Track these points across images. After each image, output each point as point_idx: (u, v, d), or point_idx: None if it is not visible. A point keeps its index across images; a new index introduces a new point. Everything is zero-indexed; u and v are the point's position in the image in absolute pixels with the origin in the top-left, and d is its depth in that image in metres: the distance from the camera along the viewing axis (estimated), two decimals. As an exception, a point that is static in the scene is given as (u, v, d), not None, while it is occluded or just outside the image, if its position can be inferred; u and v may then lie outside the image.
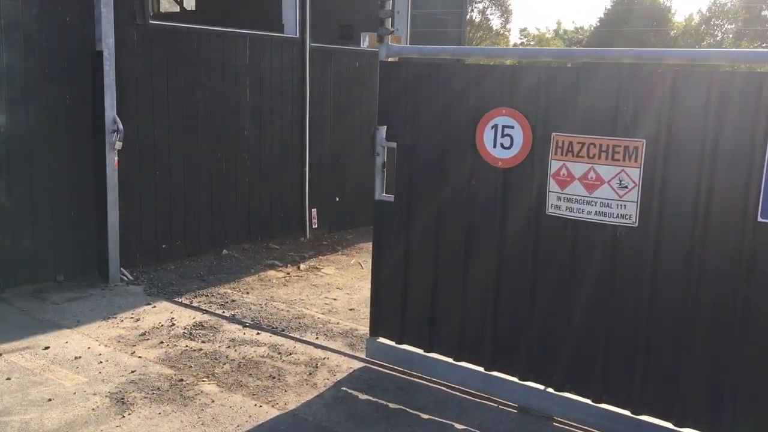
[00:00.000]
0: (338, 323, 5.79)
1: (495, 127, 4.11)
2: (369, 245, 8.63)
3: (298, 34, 8.29)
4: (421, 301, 4.59)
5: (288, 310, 6.05)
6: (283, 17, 8.38)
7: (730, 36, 31.38)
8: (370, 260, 7.85)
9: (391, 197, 4.58)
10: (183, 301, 6.16)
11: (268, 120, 8.11)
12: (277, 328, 5.60)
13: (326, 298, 6.53)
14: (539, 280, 4.12)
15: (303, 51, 8.35)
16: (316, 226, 8.84)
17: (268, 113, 8.10)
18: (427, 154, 4.37)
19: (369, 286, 6.87)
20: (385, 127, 4.58)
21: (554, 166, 3.96)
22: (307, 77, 8.42)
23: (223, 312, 5.93)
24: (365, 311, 6.07)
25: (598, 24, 33.30)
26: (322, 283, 6.98)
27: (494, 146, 4.12)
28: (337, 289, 6.81)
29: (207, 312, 5.91)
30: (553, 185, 3.98)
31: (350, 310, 6.22)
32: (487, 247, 4.26)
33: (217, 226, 7.74)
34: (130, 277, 6.68)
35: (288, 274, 7.28)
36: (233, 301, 6.24)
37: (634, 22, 30.65)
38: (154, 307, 5.99)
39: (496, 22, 36.60)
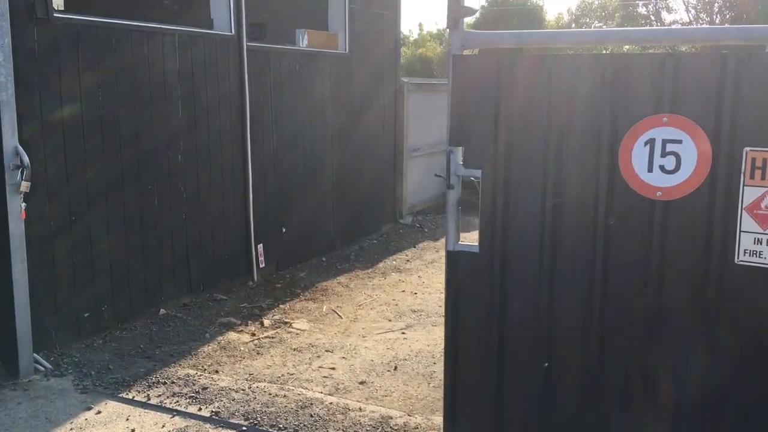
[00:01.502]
0: (360, 409, 4.36)
1: (650, 142, 2.90)
2: (332, 285, 7.27)
3: (233, 31, 6.71)
4: (527, 404, 3.31)
5: (284, 395, 4.53)
6: (213, 11, 6.75)
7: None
8: (344, 305, 6.57)
9: (474, 247, 3.25)
10: (136, 398, 4.47)
11: (204, 139, 6.47)
12: (286, 428, 4.09)
13: (321, 368, 5.07)
14: (724, 360, 2.97)
15: (240, 52, 6.78)
16: (263, 265, 7.28)
17: (204, 131, 6.46)
18: (532, 184, 3.09)
19: (363, 342, 5.57)
20: (461, 149, 3.24)
21: (749, 195, 2.82)
22: (246, 86, 6.85)
23: (200, 410, 4.31)
24: (380, 383, 4.75)
25: (472, 25, 33.28)
26: (303, 345, 5.50)
27: (649, 170, 2.91)
28: (327, 352, 5.35)
29: (178, 413, 4.27)
30: (747, 222, 2.83)
31: (361, 383, 4.81)
32: (634, 316, 3.05)
33: (151, 280, 6.01)
34: (49, 365, 4.86)
35: (254, 335, 5.72)
36: (204, 388, 4.62)
37: (510, 22, 30.85)
38: (99, 413, 4.26)
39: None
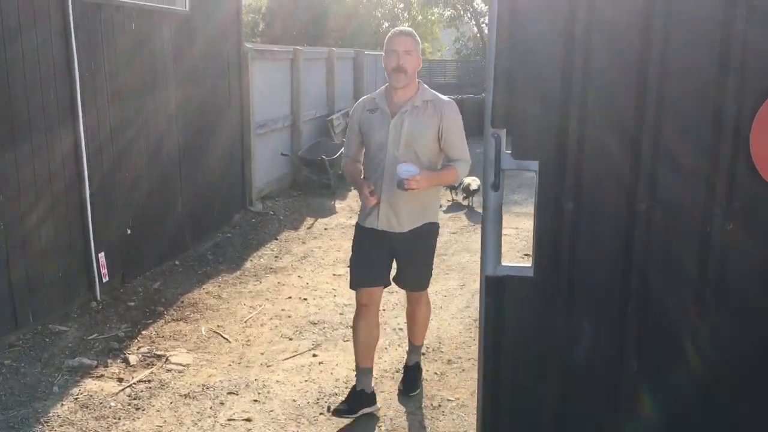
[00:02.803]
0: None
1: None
2: (200, 296, 5.76)
3: (54, -25, 5.04)
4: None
5: (201, 474, 3.30)
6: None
7: (401, 4, 32.55)
8: (226, 324, 5.23)
9: (525, 269, 2.32)
10: None
11: (22, 119, 4.80)
12: None
13: (231, 421, 3.84)
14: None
15: (63, 5, 5.12)
16: (107, 278, 5.73)
17: (22, 109, 4.78)
18: (617, 179, 2.21)
19: (271, 375, 4.33)
20: (504, 131, 2.27)
21: None
22: (74, 49, 5.21)
23: None
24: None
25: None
26: (195, 389, 4.21)
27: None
28: (231, 396, 4.13)
29: None
30: None
31: (294, 438, 3.69)
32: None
33: (-39, 318, 4.31)
34: None
35: (121, 380, 4.31)
36: (80, 480, 3.24)
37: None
38: None
39: None
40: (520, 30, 2.16)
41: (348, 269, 4.06)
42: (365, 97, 3.82)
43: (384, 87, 3.71)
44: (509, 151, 2.26)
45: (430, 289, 6.32)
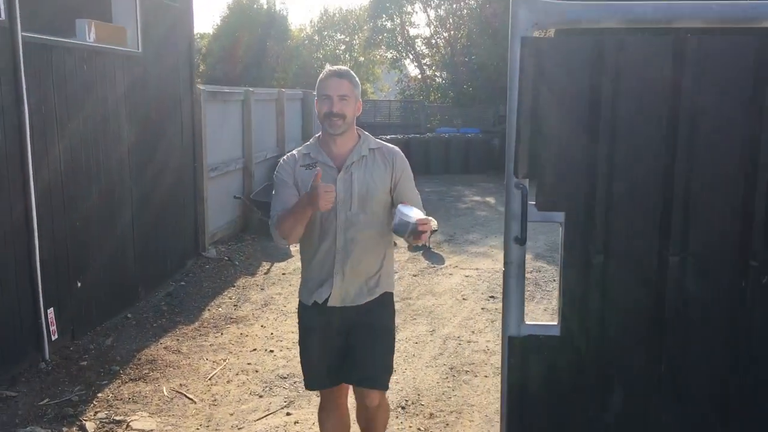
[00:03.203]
0: None
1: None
2: (158, 352, 5.33)
3: (3, 15, 4.75)
4: None
5: None
6: (-35, -15, 4.72)
7: (343, 46, 32.76)
8: (189, 382, 4.83)
9: (550, 327, 2.18)
10: None
11: (-32, 169, 4.45)
12: None
13: (207, 492, 3.55)
14: None
15: (14, 46, 4.82)
16: (56, 336, 5.33)
17: (-33, 156, 4.44)
18: (647, 228, 2.10)
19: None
20: (526, 180, 2.14)
21: None
22: (24, 91, 4.91)
23: None
24: None
25: (215, 31, 31.51)
26: (163, 457, 3.90)
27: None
28: (202, 464, 3.83)
29: None
30: None
31: None
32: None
33: None
34: None
35: (80, 450, 3.95)
36: None
37: (254, 29, 29.71)
38: None
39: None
40: (545, 79, 2.06)
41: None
42: (291, 153, 3.15)
43: (316, 138, 3.14)
44: (532, 202, 2.14)
45: (399, 336, 6.19)
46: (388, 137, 18.70)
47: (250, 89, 10.61)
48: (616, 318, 2.14)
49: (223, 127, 9.43)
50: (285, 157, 3.18)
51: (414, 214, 2.68)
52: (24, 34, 4.90)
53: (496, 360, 5.37)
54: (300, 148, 3.16)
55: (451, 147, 18.59)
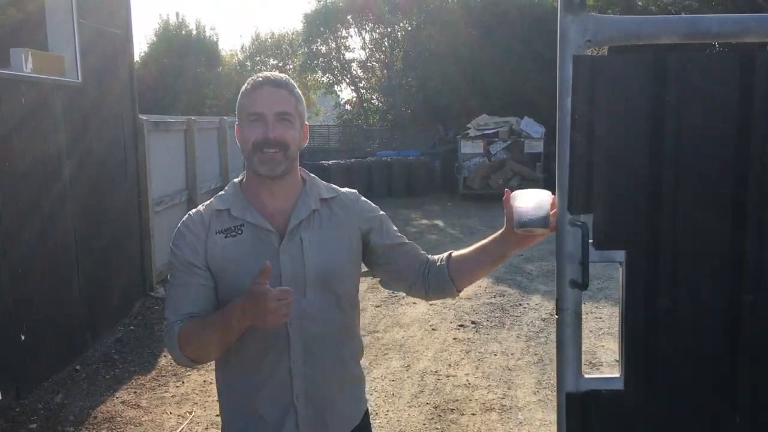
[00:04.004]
0: None
1: None
2: (115, 408, 4.83)
3: (-68, 43, 4.27)
4: None
5: None
6: None
7: (275, 71, 32.26)
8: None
9: (613, 380, 1.93)
10: None
11: None
12: None
13: None
14: None
15: (-56, 77, 4.35)
16: (0, 397, 4.79)
17: None
18: (719, 268, 1.89)
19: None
20: (579, 216, 1.90)
21: None
22: (-43, 126, 4.43)
23: None
24: None
25: (143, 58, 30.60)
26: None
27: None
28: None
29: None
30: None
31: None
32: None
33: None
34: None
35: None
36: None
37: (183, 56, 29.02)
38: None
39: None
40: (601, 102, 1.84)
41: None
42: (197, 210, 2.03)
43: (235, 185, 2.06)
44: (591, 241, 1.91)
45: (374, 373, 5.89)
46: (329, 162, 18.42)
47: (192, 118, 10.17)
48: (685, 366, 1.93)
49: (166, 158, 8.96)
50: (186, 217, 2.02)
51: (538, 197, 1.95)
52: (-45, 64, 4.43)
53: (480, 395, 5.13)
54: (210, 202, 2.03)
55: (394, 170, 18.47)
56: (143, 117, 8.06)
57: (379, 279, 8.97)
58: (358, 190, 2.19)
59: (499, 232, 2.10)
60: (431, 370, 5.69)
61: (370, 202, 2.17)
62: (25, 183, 5.29)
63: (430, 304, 7.81)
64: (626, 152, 1.86)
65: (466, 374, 5.57)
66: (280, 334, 1.92)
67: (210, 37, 30.68)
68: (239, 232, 1.95)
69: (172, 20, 29.83)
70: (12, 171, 5.11)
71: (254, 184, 2.01)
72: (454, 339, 6.50)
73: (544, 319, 7.01)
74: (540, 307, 7.48)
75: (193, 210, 2.05)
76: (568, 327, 1.93)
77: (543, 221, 1.95)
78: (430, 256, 2.21)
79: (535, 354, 5.98)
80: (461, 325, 6.92)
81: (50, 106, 5.75)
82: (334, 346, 2.03)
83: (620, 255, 1.90)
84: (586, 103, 1.84)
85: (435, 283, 2.15)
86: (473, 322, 7.01)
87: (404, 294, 2.77)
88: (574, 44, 1.85)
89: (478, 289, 8.46)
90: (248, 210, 1.98)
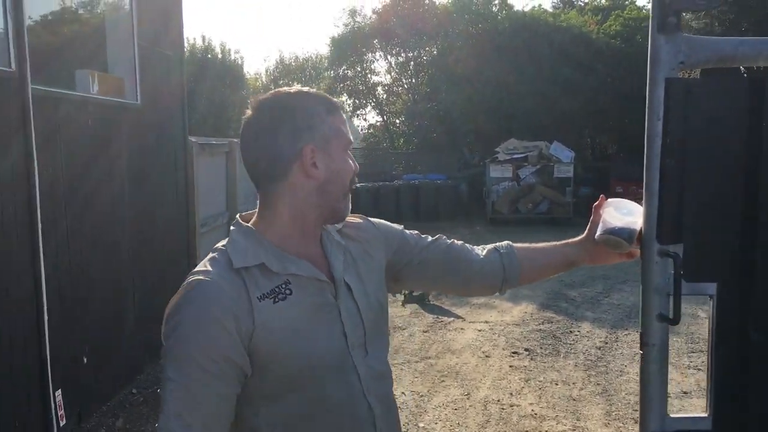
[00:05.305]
0: None
1: None
2: None
3: (14, 66, 4.29)
4: None
5: None
6: (-30, 33, 4.28)
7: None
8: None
9: (701, 419, 1.84)
10: None
11: (-22, 238, 3.93)
12: None
13: None
14: None
15: (24, 100, 4.36)
16: (64, 421, 4.74)
17: (-23, 224, 3.93)
18: None
19: None
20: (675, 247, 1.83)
21: None
22: (34, 147, 4.43)
23: None
24: None
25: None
26: None
27: None
28: None
29: None
30: None
31: None
32: None
33: None
34: None
35: None
36: None
37: (211, 79, 29.33)
38: None
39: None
40: (695, 126, 1.79)
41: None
42: (209, 270, 1.43)
43: (247, 232, 1.51)
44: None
45: (433, 402, 5.78)
46: (356, 185, 18.39)
47: (234, 140, 10.21)
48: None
49: (209, 180, 8.98)
50: (197, 285, 1.41)
51: (635, 209, 1.85)
52: (34, 86, 4.45)
53: (549, 426, 5.02)
54: (218, 259, 1.46)
55: (421, 194, 18.44)
56: (192, 138, 8.09)
57: (419, 293, 8.82)
58: (385, 214, 1.97)
59: (577, 237, 1.95)
60: (493, 399, 5.59)
61: (381, 221, 1.81)
62: (92, 208, 5.29)
63: (478, 330, 7.71)
64: (719, 179, 1.80)
65: (530, 404, 5.46)
66: (360, 410, 1.53)
67: (235, 60, 31.00)
68: (288, 292, 1.45)
69: (199, 43, 30.12)
70: (80, 197, 5.11)
71: (287, 228, 1.51)
72: (510, 367, 6.40)
73: (599, 348, 6.89)
74: (592, 335, 7.36)
75: (199, 271, 1.44)
76: (653, 364, 1.84)
77: (629, 234, 1.83)
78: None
79: (598, 384, 5.86)
80: (515, 353, 6.81)
81: (114, 127, 5.78)
82: (393, 401, 1.69)
83: (711, 287, 1.83)
84: (679, 127, 1.79)
85: (510, 269, 1.87)
86: (526, 350, 6.90)
87: (460, 295, 2.27)
88: (667, 66, 1.79)
89: (524, 314, 8.36)
90: (288, 260, 1.48)
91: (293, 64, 32.59)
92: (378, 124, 27.18)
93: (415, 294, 8.93)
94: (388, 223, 1.82)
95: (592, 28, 21.09)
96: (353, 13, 25.71)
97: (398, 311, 8.56)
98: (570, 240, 1.96)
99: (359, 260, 1.63)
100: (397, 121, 26.46)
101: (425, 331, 7.71)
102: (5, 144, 4.21)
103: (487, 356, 6.74)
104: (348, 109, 26.36)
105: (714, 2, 1.82)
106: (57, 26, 6.47)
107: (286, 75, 32.73)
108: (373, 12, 26.37)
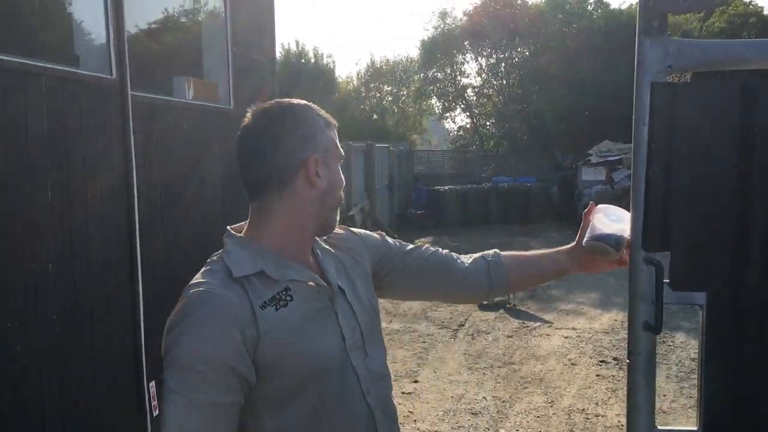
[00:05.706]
0: None
1: None
2: None
3: (114, 74, 4.55)
4: None
5: None
6: (77, 43, 4.58)
7: (390, 97, 32.88)
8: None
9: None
10: None
11: (82, 233, 4.19)
12: None
13: None
14: None
15: (123, 105, 4.62)
16: (156, 412, 4.98)
17: (81, 219, 4.19)
18: None
19: None
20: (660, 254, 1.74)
21: None
22: (132, 152, 4.68)
23: None
24: None
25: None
26: None
27: None
28: None
29: None
30: None
31: None
32: None
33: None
34: None
35: None
36: None
37: (304, 83, 30.07)
38: None
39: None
40: (682, 132, 1.69)
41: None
42: (208, 281, 1.52)
43: (239, 241, 1.60)
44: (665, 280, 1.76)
45: (516, 408, 5.70)
46: (445, 188, 18.39)
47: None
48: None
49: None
50: (200, 295, 1.48)
51: (623, 216, 1.82)
52: (133, 92, 4.70)
53: (636, 438, 4.84)
54: (215, 269, 1.55)
55: (510, 196, 18.21)
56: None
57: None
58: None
59: (569, 245, 1.92)
60: (578, 408, 5.45)
61: (363, 230, 1.83)
62: (186, 214, 5.53)
63: (565, 337, 7.54)
64: (708, 185, 1.69)
65: (617, 414, 5.29)
66: (360, 411, 1.53)
67: (327, 64, 31.63)
68: (289, 298, 1.45)
69: (293, 48, 30.94)
70: (175, 199, 5.36)
71: (285, 236, 1.53)
72: (597, 376, 6.22)
73: (693, 359, 6.60)
74: (687, 346, 7.06)
75: (199, 283, 1.50)
76: (638, 373, 1.76)
77: (616, 240, 1.79)
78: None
79: (690, 396, 5.61)
80: (602, 361, 6.62)
81: (208, 131, 6.02)
82: (392, 402, 1.68)
83: (701, 297, 1.72)
84: (665, 133, 1.69)
85: (496, 276, 1.86)
86: (615, 359, 6.70)
87: (445, 302, 2.23)
88: (653, 70, 1.70)
89: (614, 323, 8.12)
90: (287, 266, 1.48)
91: (384, 67, 32.89)
92: (467, 126, 27.04)
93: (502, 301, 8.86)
94: (369, 232, 1.83)
95: (695, 26, 20.24)
96: (443, 15, 25.73)
97: (482, 315, 8.49)
98: (562, 247, 1.94)
99: (348, 267, 1.66)
100: (487, 123, 26.24)
101: (510, 336, 7.61)
102: (106, 147, 4.47)
103: (573, 364, 6.58)
104: (437, 112, 26.43)
105: (698, 4, 1.74)
106: (157, 34, 6.82)
107: (376, 78, 33.08)
108: (464, 14, 26.30)
